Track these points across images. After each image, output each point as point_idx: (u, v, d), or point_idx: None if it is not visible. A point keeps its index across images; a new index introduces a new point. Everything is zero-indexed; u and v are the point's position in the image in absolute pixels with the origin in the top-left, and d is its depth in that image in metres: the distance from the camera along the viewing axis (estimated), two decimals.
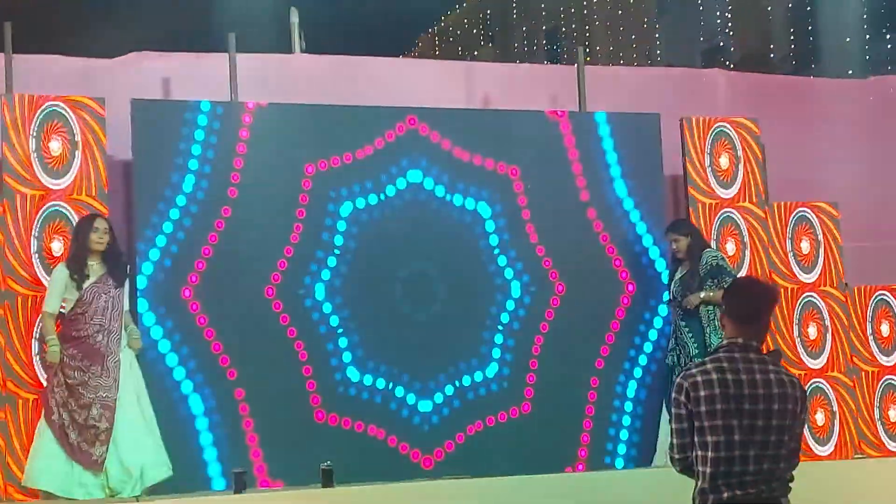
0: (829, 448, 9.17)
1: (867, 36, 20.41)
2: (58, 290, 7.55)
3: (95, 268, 7.63)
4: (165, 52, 9.12)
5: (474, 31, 33.09)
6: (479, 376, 8.63)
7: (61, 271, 7.59)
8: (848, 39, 20.33)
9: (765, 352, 4.34)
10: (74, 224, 7.77)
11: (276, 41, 10.76)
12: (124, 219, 8.29)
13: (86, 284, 7.57)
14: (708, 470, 4.17)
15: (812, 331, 9.35)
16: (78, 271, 7.57)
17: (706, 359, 4.32)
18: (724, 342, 4.34)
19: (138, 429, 7.52)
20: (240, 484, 7.53)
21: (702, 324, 8.49)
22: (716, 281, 8.47)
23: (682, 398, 4.25)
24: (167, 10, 13.43)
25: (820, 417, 9.18)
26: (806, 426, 4.16)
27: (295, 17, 10.29)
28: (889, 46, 20.46)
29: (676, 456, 4.31)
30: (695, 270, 8.59)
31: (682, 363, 8.48)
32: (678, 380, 4.31)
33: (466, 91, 9.65)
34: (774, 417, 4.17)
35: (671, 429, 4.35)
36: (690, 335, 8.53)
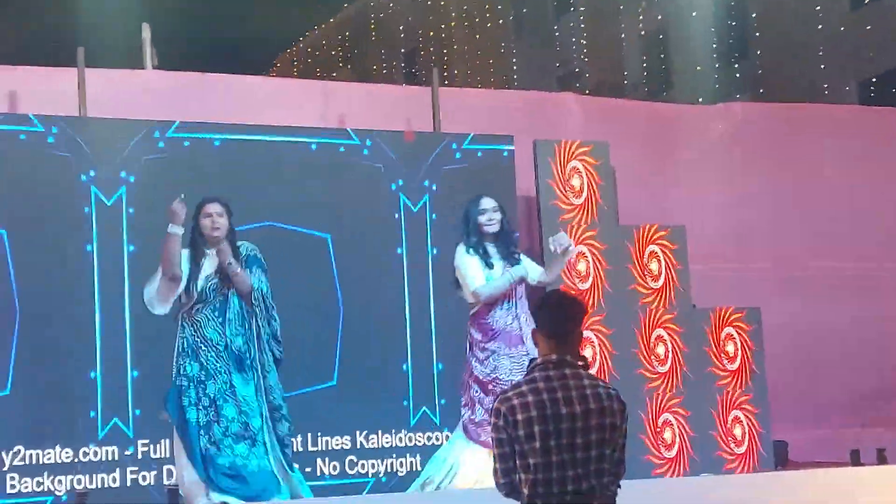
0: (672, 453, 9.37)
1: (716, 64, 20.94)
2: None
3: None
4: (13, 65, 8.91)
5: (332, 52, 33.06)
6: None
7: (473, 256, 7.73)
8: (699, 67, 20.84)
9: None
10: None
11: (126, 57, 10.61)
12: None
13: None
14: (527, 492, 4.08)
15: (661, 350, 9.53)
16: (485, 258, 7.74)
17: (521, 380, 4.18)
18: (539, 360, 4.20)
19: None
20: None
21: None
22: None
23: (501, 423, 4.12)
24: (16, 23, 13.16)
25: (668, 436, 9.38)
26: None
27: (147, 33, 10.13)
28: (737, 74, 21.02)
29: (501, 480, 4.17)
30: (232, 260, 7.73)
31: None
32: (495, 405, 4.17)
33: (324, 110, 9.61)
34: (594, 432, 4.09)
35: (493, 454, 4.21)
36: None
